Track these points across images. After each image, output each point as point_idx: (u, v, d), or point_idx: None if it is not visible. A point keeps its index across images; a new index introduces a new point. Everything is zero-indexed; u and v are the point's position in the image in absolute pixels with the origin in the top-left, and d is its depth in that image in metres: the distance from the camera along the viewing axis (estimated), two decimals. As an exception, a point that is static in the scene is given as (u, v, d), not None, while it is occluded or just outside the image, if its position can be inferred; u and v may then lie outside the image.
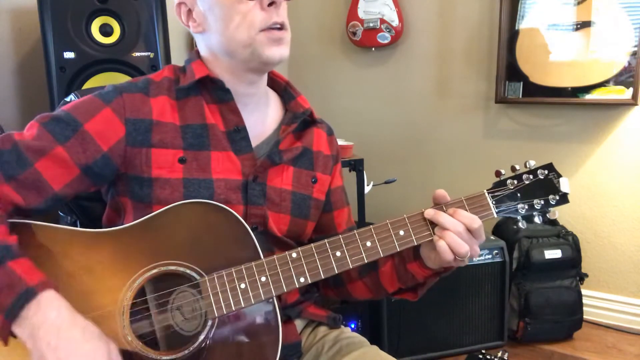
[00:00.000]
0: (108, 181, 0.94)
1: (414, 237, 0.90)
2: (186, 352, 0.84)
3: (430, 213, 0.91)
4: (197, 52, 1.00)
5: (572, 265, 2.19)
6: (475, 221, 0.88)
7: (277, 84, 1.07)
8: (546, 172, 0.93)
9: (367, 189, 2.11)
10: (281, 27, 0.92)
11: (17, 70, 2.03)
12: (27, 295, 0.75)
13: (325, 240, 0.89)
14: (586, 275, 2.23)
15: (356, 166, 2.06)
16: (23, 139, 0.86)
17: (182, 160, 0.92)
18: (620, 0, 2.13)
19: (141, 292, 0.86)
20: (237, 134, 0.96)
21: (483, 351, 1.95)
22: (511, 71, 2.41)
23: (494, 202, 0.91)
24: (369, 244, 0.89)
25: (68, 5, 1.74)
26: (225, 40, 0.92)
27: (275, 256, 0.87)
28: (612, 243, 2.36)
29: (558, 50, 2.26)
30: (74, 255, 0.85)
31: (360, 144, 2.32)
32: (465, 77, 2.61)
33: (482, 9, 2.51)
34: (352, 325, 1.98)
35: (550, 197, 0.92)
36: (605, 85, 2.22)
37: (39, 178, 0.85)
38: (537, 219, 0.92)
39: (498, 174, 0.93)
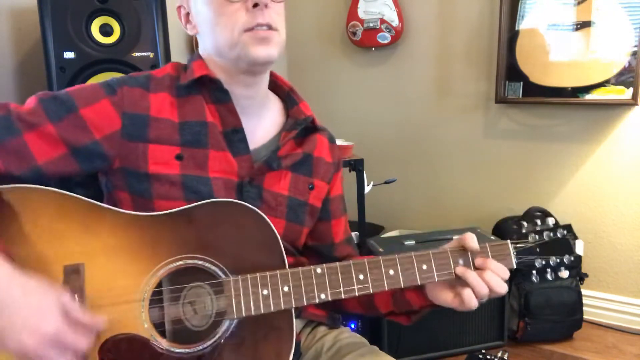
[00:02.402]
0: (98, 170, 0.94)
1: (435, 274, 0.91)
2: (200, 347, 0.84)
3: (460, 270, 0.91)
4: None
5: (572, 266, 2.18)
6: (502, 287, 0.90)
7: (280, 89, 1.07)
8: (565, 232, 0.96)
9: (367, 189, 2.11)
10: (269, 28, 0.91)
11: (17, 70, 2.04)
12: None
13: (351, 261, 0.89)
14: (586, 275, 2.23)
15: (356, 166, 2.06)
16: (18, 109, 0.87)
17: (179, 157, 0.92)
18: (620, 0, 2.13)
19: (163, 282, 0.86)
20: (235, 135, 0.96)
21: (483, 351, 1.96)
22: (511, 71, 2.41)
23: (515, 253, 0.94)
24: (391, 272, 0.90)
25: (68, 5, 1.74)
26: (213, 41, 0.93)
27: (300, 268, 0.87)
28: (612, 243, 2.36)
29: (558, 50, 2.26)
30: (103, 233, 0.85)
31: (360, 144, 2.32)
32: (465, 77, 2.61)
33: (482, 9, 2.51)
34: (352, 326, 1.97)
35: (566, 257, 0.96)
36: (605, 85, 2.22)
37: (24, 148, 0.85)
38: (549, 276, 0.96)
39: (519, 225, 0.97)
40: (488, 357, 1.89)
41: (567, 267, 0.96)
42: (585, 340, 2.22)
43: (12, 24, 2.00)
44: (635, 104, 2.17)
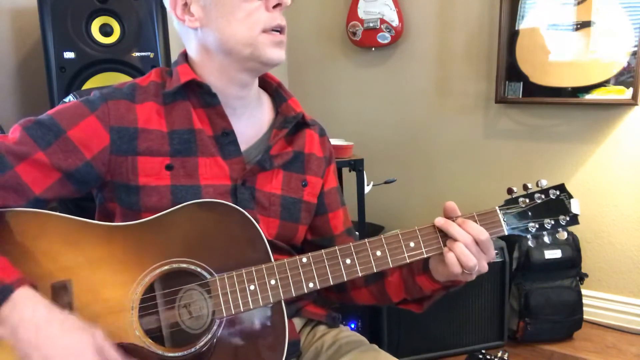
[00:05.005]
0: (93, 187, 0.94)
1: (424, 249, 0.90)
2: (192, 350, 0.85)
3: (440, 222, 0.90)
4: (185, 55, 0.99)
5: (572, 265, 2.19)
6: (483, 233, 0.87)
7: (268, 85, 1.06)
8: (558, 192, 0.93)
9: (367, 189, 2.11)
10: (281, 31, 0.92)
11: (17, 70, 2.04)
12: (4, 293, 0.75)
13: (336, 247, 0.89)
14: (586, 275, 2.23)
15: (356, 166, 2.06)
16: (5, 143, 0.86)
17: (169, 167, 0.91)
18: (620, 0, 2.14)
19: (151, 288, 0.86)
20: (225, 138, 0.95)
21: (483, 351, 1.96)
22: (511, 71, 2.41)
23: (505, 219, 0.91)
24: (379, 253, 0.89)
25: (68, 5, 1.74)
26: (224, 37, 0.90)
27: (285, 260, 0.87)
28: (612, 243, 2.36)
29: (558, 50, 2.26)
30: (86, 247, 0.86)
31: (360, 144, 2.32)
32: (465, 77, 2.61)
33: (482, 9, 2.51)
34: (352, 325, 1.98)
35: (561, 217, 0.92)
36: (605, 85, 2.22)
37: (19, 181, 0.85)
38: (546, 239, 0.93)
39: (510, 191, 0.93)
40: (488, 357, 1.89)
41: (564, 228, 0.92)
42: (585, 340, 2.22)
43: (12, 24, 2.00)
44: (635, 104, 2.18)
